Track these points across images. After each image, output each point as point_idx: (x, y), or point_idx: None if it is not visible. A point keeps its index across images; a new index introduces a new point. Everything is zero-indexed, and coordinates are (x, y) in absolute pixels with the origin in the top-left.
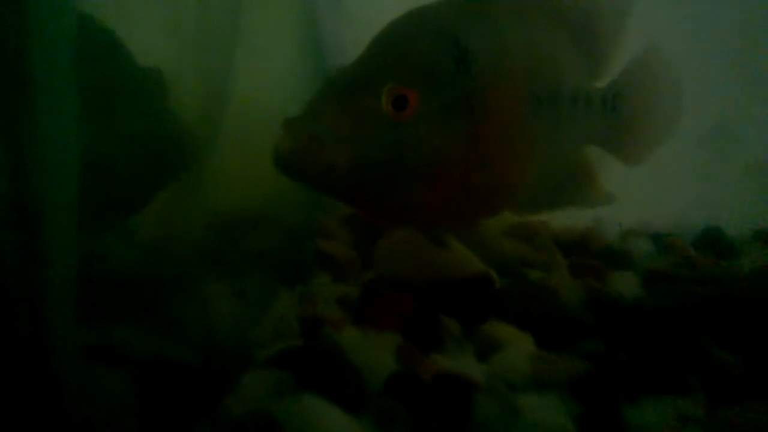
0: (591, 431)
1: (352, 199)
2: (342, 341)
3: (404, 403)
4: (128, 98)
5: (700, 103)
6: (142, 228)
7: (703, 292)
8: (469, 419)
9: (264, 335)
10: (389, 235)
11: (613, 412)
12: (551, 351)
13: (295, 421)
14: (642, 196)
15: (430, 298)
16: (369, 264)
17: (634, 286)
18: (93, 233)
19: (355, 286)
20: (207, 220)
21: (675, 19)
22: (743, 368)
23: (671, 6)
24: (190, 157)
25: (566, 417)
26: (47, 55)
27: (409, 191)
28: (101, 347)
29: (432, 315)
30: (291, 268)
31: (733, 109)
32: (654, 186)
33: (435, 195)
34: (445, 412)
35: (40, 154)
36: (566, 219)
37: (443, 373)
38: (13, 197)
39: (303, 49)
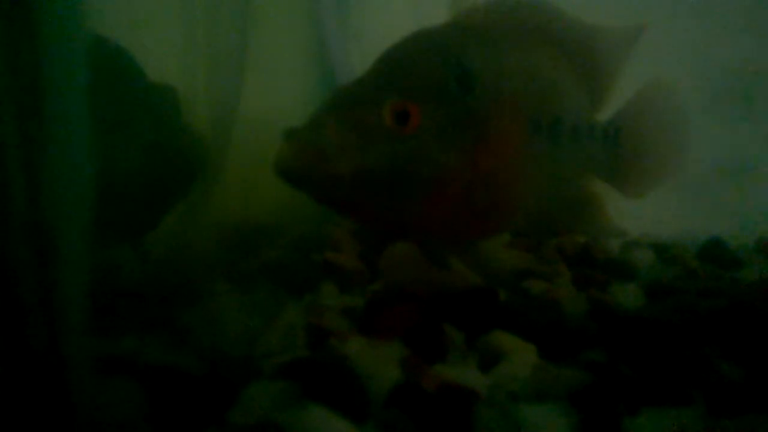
0: None
1: (352, 211)
2: (347, 352)
3: (408, 414)
4: (142, 115)
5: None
6: (156, 241)
7: (706, 303)
8: (471, 430)
9: (271, 345)
10: (396, 246)
11: (613, 423)
12: (553, 361)
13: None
14: (645, 207)
15: (434, 308)
16: (376, 275)
17: (637, 298)
18: (108, 246)
19: (362, 297)
20: (218, 233)
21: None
22: (745, 380)
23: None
24: (203, 171)
25: (567, 428)
26: (61, 75)
27: (409, 205)
28: (112, 357)
29: (436, 325)
30: (299, 279)
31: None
32: (657, 197)
33: (434, 210)
34: (447, 423)
35: (56, 169)
36: None
37: (446, 383)
38: (28, 211)
39: (311, 67)
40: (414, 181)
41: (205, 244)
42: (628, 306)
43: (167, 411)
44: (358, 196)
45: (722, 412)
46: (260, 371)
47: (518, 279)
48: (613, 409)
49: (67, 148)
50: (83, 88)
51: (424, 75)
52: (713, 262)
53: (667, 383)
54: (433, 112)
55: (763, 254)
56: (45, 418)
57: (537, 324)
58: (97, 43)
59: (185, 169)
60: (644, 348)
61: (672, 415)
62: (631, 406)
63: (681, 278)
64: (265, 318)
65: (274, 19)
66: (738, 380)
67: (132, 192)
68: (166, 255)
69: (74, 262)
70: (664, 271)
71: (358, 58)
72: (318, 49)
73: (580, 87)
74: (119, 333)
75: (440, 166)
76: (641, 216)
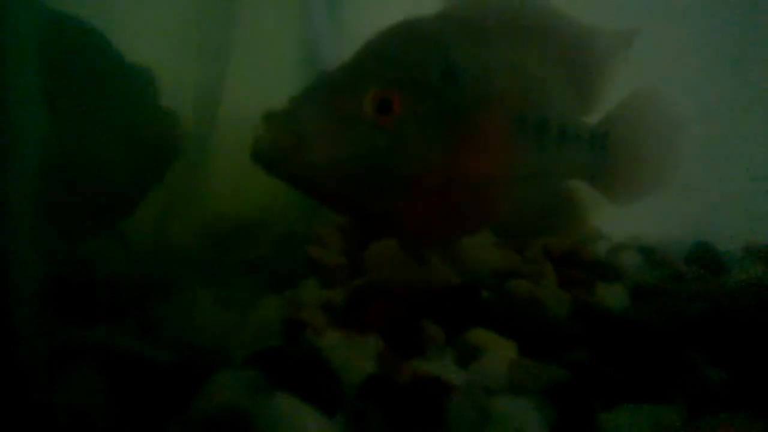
0: None
1: (329, 200)
2: (322, 344)
3: (379, 406)
4: (115, 96)
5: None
6: (137, 233)
7: (691, 306)
8: (442, 422)
9: (245, 338)
10: (380, 243)
11: (588, 417)
12: (534, 359)
13: (267, 419)
14: (633, 210)
15: (415, 304)
16: (359, 272)
17: (622, 299)
18: (85, 235)
19: (344, 293)
20: (201, 227)
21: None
22: (727, 382)
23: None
24: (181, 156)
25: (540, 421)
26: (13, 52)
27: (387, 197)
28: (80, 345)
29: (415, 321)
30: (281, 275)
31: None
32: (645, 200)
33: (411, 204)
34: (418, 414)
35: (3, 146)
36: None
37: (419, 375)
38: None
39: (300, 63)
40: (391, 173)
41: (185, 236)
42: (612, 307)
43: (129, 398)
44: (334, 185)
45: (701, 411)
46: (231, 361)
47: (502, 279)
48: (588, 404)
49: (15, 119)
50: (34, 57)
51: (407, 65)
52: (701, 266)
53: (647, 382)
54: (415, 103)
55: (750, 259)
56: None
57: (519, 323)
58: (68, 22)
59: (161, 153)
60: (627, 349)
61: (649, 412)
62: (608, 401)
63: (667, 281)
64: (242, 312)
65: (263, 12)
66: (719, 382)
67: (105, 176)
68: (146, 246)
69: (24, 245)
70: (651, 274)
71: (347, 48)
72: (308, 45)
73: (568, 87)
74: (91, 322)
75: (419, 159)
76: (629, 219)
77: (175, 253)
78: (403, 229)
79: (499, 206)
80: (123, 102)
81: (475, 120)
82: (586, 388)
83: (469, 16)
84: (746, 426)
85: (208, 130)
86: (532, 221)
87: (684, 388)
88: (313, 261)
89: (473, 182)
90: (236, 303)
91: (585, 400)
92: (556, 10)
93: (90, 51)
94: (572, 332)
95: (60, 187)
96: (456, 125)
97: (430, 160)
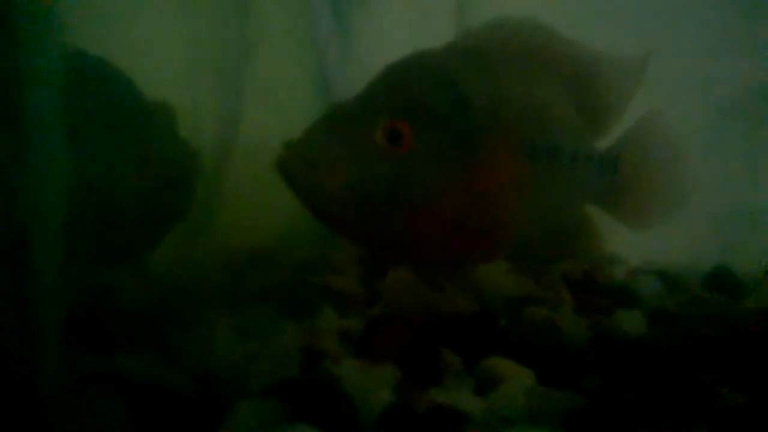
0: None
1: (343, 228)
2: (340, 373)
3: None
4: (136, 133)
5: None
6: (156, 263)
7: (709, 330)
8: None
9: (264, 367)
10: (397, 271)
11: None
12: (552, 386)
13: None
14: (651, 234)
15: (432, 332)
16: (376, 300)
17: (640, 324)
18: (107, 266)
19: (361, 321)
20: (219, 255)
21: None
22: (746, 406)
23: None
24: (201, 190)
25: None
26: (37, 89)
27: (399, 226)
28: (100, 373)
29: (433, 349)
30: (298, 303)
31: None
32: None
33: (425, 233)
34: None
35: (30, 180)
36: None
37: (436, 405)
38: (2, 224)
39: (312, 92)
40: (403, 202)
41: (204, 265)
42: (630, 332)
43: (150, 427)
44: (347, 213)
45: None
46: (250, 391)
47: (518, 305)
48: (606, 430)
49: (42, 160)
50: (58, 101)
51: (418, 96)
52: (719, 290)
53: (666, 408)
54: (426, 133)
55: None
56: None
57: (536, 349)
58: (86, 59)
59: (182, 188)
60: (645, 374)
61: None
62: (626, 429)
63: (685, 305)
64: (261, 340)
65: (278, 42)
66: (738, 406)
67: (124, 209)
68: (166, 276)
69: (48, 276)
70: (669, 299)
71: (359, 82)
72: (319, 74)
73: (579, 113)
74: (111, 351)
75: (430, 188)
76: (648, 244)
77: (195, 281)
78: (416, 258)
79: (513, 234)
80: (141, 136)
81: (485, 149)
82: (604, 415)
83: (478, 46)
84: None
85: (225, 161)
86: (547, 248)
87: (702, 412)
88: (331, 289)
89: (485, 210)
90: (255, 331)
91: (603, 428)
92: (565, 37)
93: (108, 86)
94: (590, 358)
95: (81, 218)
96: (467, 154)
97: (440, 188)
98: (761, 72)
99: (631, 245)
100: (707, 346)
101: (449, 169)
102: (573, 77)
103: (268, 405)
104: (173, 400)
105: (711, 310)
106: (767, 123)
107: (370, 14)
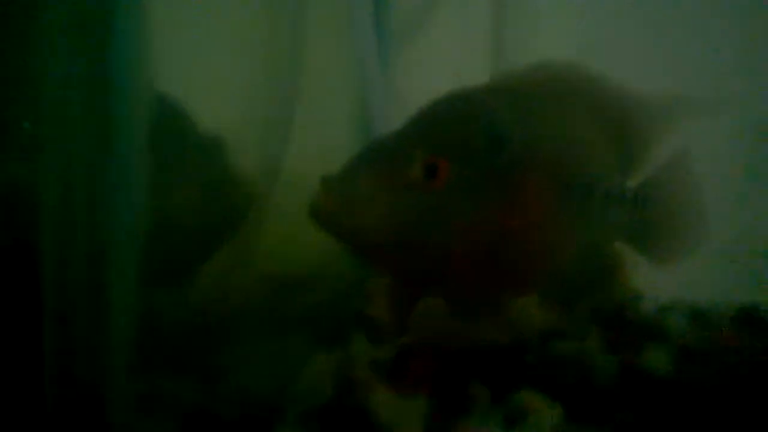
0: None
1: (378, 261)
2: (372, 402)
3: None
4: (190, 165)
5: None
6: (198, 286)
7: (738, 368)
8: None
9: (299, 393)
10: (427, 301)
11: None
12: (580, 422)
13: None
14: (680, 271)
15: (462, 364)
16: (407, 329)
17: (668, 361)
18: (155, 289)
19: (392, 350)
20: (257, 282)
21: None
22: None
23: None
24: (246, 221)
25: None
26: (129, 128)
27: (433, 260)
28: (150, 396)
29: (462, 381)
30: (332, 330)
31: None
32: (692, 262)
33: (457, 268)
34: None
35: (115, 212)
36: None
37: None
38: (87, 251)
39: (354, 125)
40: (438, 236)
41: (244, 290)
42: (659, 369)
43: None
44: (383, 247)
45: None
46: (286, 417)
47: (547, 339)
48: None
49: (127, 195)
50: (145, 141)
51: (454, 132)
52: (749, 328)
53: None
54: (462, 169)
55: None
56: None
57: (565, 384)
58: (165, 103)
59: (229, 219)
60: (673, 412)
61: None
62: None
63: (713, 343)
64: (296, 366)
65: (321, 79)
66: None
67: (178, 238)
68: (207, 299)
69: (124, 304)
70: (698, 336)
71: (400, 119)
72: (362, 109)
73: (614, 153)
74: (156, 374)
75: (465, 224)
76: (677, 281)
77: (235, 306)
78: (450, 293)
79: (544, 270)
80: (198, 171)
81: (521, 186)
82: None
83: (515, 85)
84: None
85: (270, 191)
86: (579, 284)
87: None
88: (365, 317)
89: (518, 246)
90: (291, 357)
91: None
92: (602, 79)
93: (173, 122)
94: (618, 394)
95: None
96: (502, 191)
97: (476, 222)
98: None
99: (660, 282)
100: (736, 384)
101: (484, 205)
102: (610, 116)
103: (301, 431)
104: (218, 424)
105: (738, 349)
106: None
107: (412, 52)
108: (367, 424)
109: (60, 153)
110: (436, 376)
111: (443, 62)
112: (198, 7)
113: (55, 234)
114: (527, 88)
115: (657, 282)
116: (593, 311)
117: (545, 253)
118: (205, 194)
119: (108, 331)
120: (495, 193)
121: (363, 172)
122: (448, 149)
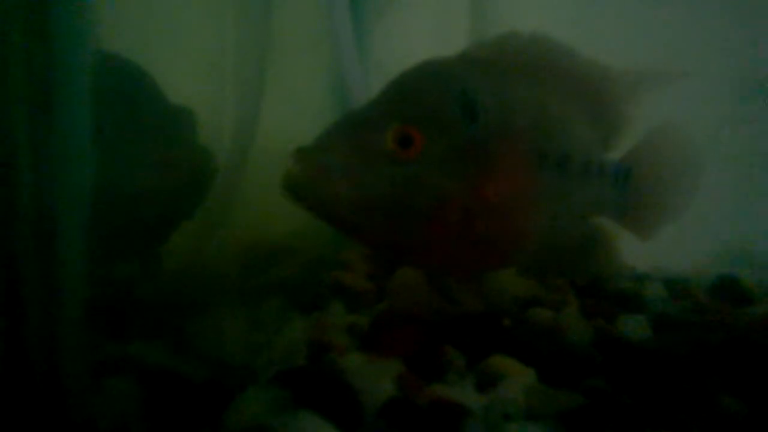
0: None
1: (352, 232)
2: (345, 365)
3: (398, 426)
4: (157, 131)
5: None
6: (170, 256)
7: (712, 337)
8: None
9: (272, 357)
10: (404, 270)
11: None
12: (552, 386)
13: None
14: (657, 241)
15: (437, 330)
16: (383, 296)
17: (644, 329)
18: (120, 259)
19: (368, 317)
20: (232, 252)
21: None
22: (747, 414)
23: None
24: (214, 191)
25: None
26: (69, 86)
27: (408, 230)
28: (116, 359)
29: (436, 346)
30: (308, 298)
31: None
32: (670, 232)
33: (433, 238)
34: None
35: (59, 171)
36: None
37: (437, 399)
38: (33, 211)
39: (329, 94)
40: (413, 207)
41: (218, 260)
42: (634, 337)
43: (163, 411)
44: (358, 217)
45: None
46: (257, 379)
47: (524, 307)
48: (603, 429)
49: (70, 153)
50: (87, 98)
51: (427, 102)
52: (725, 298)
53: (663, 411)
54: (436, 139)
55: None
56: (41, 415)
57: (539, 350)
58: (117, 64)
59: (195, 188)
60: (647, 378)
61: None
62: (622, 429)
63: (689, 312)
64: (270, 332)
65: (294, 48)
66: (738, 414)
67: (141, 206)
68: (179, 269)
69: (72, 263)
70: (674, 305)
71: (376, 90)
72: (337, 77)
73: (591, 124)
74: (127, 339)
75: (440, 194)
76: (653, 250)
77: (208, 275)
78: (424, 262)
79: (522, 242)
80: (161, 138)
81: (495, 155)
82: (602, 415)
83: (489, 56)
84: None
85: (242, 162)
86: (559, 260)
87: (701, 419)
88: (340, 285)
89: (495, 216)
90: (265, 324)
91: (599, 427)
92: (574, 51)
93: (132, 88)
94: (592, 361)
95: (100, 212)
96: (476, 160)
97: (450, 193)
98: None
99: (638, 251)
100: (710, 353)
101: (458, 175)
102: (583, 90)
103: (273, 393)
104: (184, 385)
105: (715, 318)
106: None
107: (387, 22)
108: (340, 386)
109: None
110: (410, 341)
111: (422, 32)
112: None
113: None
114: (498, 59)
115: (635, 251)
116: (571, 282)
117: (521, 223)
118: (169, 163)
119: (58, 303)
120: (470, 162)
121: (336, 143)
122: (421, 119)
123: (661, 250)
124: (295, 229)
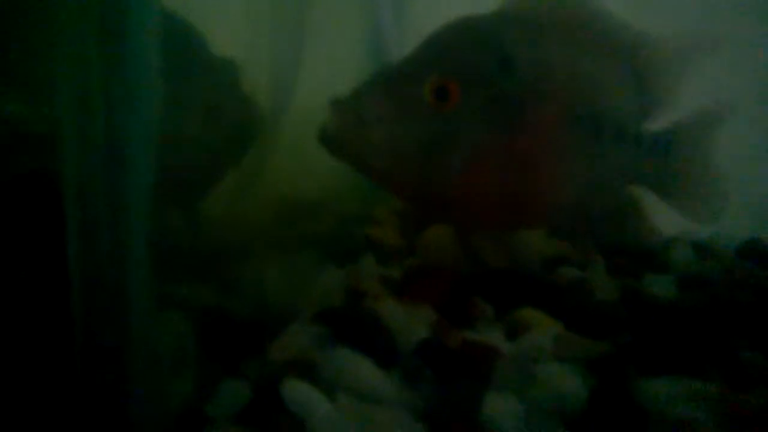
0: (602, 397)
1: (388, 183)
2: (380, 310)
3: (431, 365)
4: (204, 80)
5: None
6: (210, 207)
7: (737, 295)
8: (490, 381)
9: (311, 301)
10: (434, 228)
11: (626, 383)
12: (579, 335)
13: (331, 367)
14: None
15: (467, 282)
16: (414, 252)
17: (670, 289)
18: (175, 204)
19: (399, 270)
20: (269, 204)
21: None
22: (763, 362)
23: None
24: (257, 142)
25: (581, 385)
26: (140, 43)
27: (443, 182)
28: (169, 298)
29: (467, 297)
30: (341, 251)
31: None
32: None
33: (467, 190)
34: (468, 373)
35: (129, 107)
36: None
37: (469, 341)
38: (104, 143)
39: (365, 52)
40: (448, 159)
41: (255, 211)
42: (660, 296)
43: (213, 343)
44: (393, 168)
45: (737, 388)
46: (298, 319)
47: (552, 265)
48: (627, 373)
49: (141, 86)
50: (157, 31)
51: (464, 56)
52: (751, 260)
53: (686, 358)
54: (472, 92)
55: None
56: (106, 344)
57: (567, 305)
58: (167, 17)
59: (241, 137)
60: (671, 334)
61: (686, 384)
62: (647, 373)
63: (715, 272)
64: (307, 279)
65: (332, 7)
66: (758, 365)
67: (188, 157)
68: (220, 218)
69: (141, 217)
70: (701, 265)
71: (412, 46)
72: (374, 40)
73: (626, 91)
74: (176, 282)
75: (475, 147)
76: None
77: (246, 226)
78: (457, 215)
79: (554, 200)
80: (208, 90)
81: (529, 111)
82: (626, 360)
83: (525, 13)
84: None
85: (281, 116)
86: (590, 223)
87: (722, 367)
88: (372, 239)
89: (527, 171)
90: (302, 272)
91: (624, 370)
92: (610, 12)
93: (179, 38)
94: (618, 316)
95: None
96: (511, 115)
97: (486, 145)
98: None
99: (665, 214)
100: (734, 310)
101: (492, 127)
102: (619, 53)
103: (315, 330)
104: (231, 322)
105: (740, 278)
106: None
107: None
108: (377, 326)
109: (75, 82)
110: (442, 291)
111: None
112: None
113: (75, 159)
114: (536, 15)
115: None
116: (600, 243)
117: (553, 180)
118: (216, 111)
119: (128, 244)
120: (504, 116)
121: (373, 94)
122: (458, 72)
123: None
124: (327, 183)
